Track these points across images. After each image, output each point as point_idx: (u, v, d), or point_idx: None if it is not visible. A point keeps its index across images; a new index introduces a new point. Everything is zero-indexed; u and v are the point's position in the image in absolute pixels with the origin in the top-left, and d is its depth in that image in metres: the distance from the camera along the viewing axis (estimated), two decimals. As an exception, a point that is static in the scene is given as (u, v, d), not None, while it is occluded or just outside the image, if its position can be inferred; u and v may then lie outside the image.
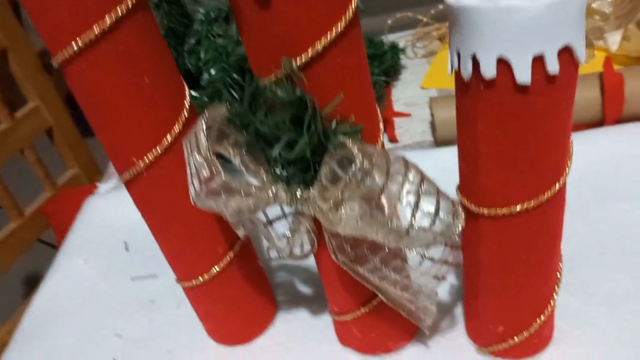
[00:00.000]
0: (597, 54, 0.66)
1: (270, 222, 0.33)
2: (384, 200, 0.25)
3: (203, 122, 0.28)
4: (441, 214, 0.26)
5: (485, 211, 0.31)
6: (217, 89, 0.54)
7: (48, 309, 0.52)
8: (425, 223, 0.26)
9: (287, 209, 0.33)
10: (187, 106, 0.34)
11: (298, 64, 0.26)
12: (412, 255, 0.32)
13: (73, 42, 0.28)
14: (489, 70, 0.26)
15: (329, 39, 0.26)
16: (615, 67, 0.58)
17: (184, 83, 0.35)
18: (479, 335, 0.38)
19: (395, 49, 0.75)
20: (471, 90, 0.27)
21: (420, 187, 0.26)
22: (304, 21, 0.26)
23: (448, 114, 0.59)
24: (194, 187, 0.29)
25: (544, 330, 0.37)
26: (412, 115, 0.68)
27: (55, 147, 1.02)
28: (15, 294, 1.35)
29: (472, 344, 0.40)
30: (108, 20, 0.28)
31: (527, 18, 0.24)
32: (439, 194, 0.27)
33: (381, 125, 0.32)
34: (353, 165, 0.25)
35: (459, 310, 0.42)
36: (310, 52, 0.26)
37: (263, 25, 0.26)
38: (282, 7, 0.25)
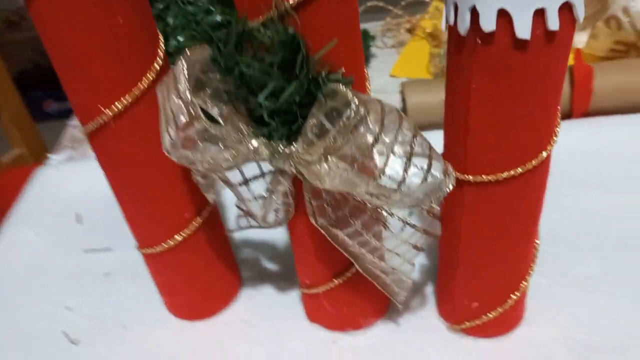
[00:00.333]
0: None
1: (246, 181, 0.31)
2: (376, 152, 0.24)
3: (183, 61, 0.26)
4: (433, 171, 0.25)
5: (471, 178, 0.30)
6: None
7: (-9, 280, 0.48)
8: (417, 179, 0.25)
9: (265, 168, 0.32)
10: (162, 55, 0.32)
11: (291, 2, 0.24)
12: (394, 222, 0.31)
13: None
14: (488, 23, 0.25)
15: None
16: (583, 63, 0.59)
17: (159, 32, 0.32)
18: (451, 312, 0.38)
19: (366, 36, 0.75)
20: (467, 46, 0.26)
21: (414, 141, 0.25)
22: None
23: (420, 98, 0.59)
24: (169, 136, 0.27)
25: (517, 308, 0.37)
26: (382, 102, 0.67)
27: (1, 125, 0.97)
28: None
29: (443, 322, 0.39)
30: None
31: (533, -32, 0.23)
32: (431, 150, 0.26)
33: (368, 85, 0.30)
34: (348, 110, 0.23)
35: (429, 290, 0.41)
36: (305, -8, 0.25)
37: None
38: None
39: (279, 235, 0.48)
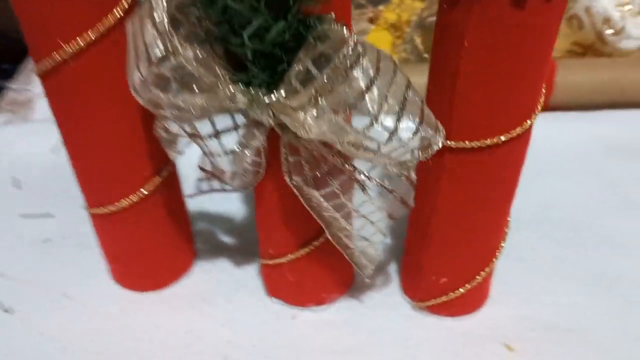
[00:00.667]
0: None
1: (217, 133, 0.29)
2: (368, 98, 0.23)
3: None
4: (425, 125, 0.24)
5: (453, 144, 0.29)
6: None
7: None
8: (408, 132, 0.24)
9: (239, 120, 0.29)
10: (132, -9, 0.29)
11: None
12: (372, 185, 0.30)
13: None
14: (488, -25, 0.24)
15: None
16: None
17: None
18: (417, 288, 0.37)
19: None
20: (462, 3, 0.25)
21: (407, 92, 0.23)
22: None
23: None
24: (140, 72, 0.25)
25: (484, 286, 0.36)
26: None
27: None
28: None
29: (407, 301, 0.38)
30: None
31: None
32: (423, 103, 0.24)
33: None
34: (344, 48, 0.22)
35: (393, 269, 0.40)
36: None
37: None
38: None
39: (236, 208, 0.46)
